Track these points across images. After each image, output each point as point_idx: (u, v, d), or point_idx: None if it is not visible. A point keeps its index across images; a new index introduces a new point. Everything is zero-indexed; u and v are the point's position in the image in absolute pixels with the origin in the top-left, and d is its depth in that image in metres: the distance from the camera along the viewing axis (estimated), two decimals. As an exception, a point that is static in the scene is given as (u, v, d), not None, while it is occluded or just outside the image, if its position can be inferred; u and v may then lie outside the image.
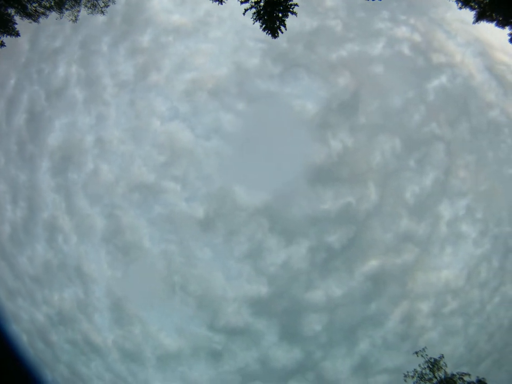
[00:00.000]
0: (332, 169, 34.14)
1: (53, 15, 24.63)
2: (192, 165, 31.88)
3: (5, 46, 24.64)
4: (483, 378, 21.78)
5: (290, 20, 17.43)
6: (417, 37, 34.72)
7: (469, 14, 22.38)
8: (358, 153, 34.55)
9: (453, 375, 21.98)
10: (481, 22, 22.19)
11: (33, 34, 30.94)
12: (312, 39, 32.18)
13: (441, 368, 22.24)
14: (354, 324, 37.28)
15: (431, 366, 22.30)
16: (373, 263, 36.32)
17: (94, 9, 24.72)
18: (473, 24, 22.48)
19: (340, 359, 37.29)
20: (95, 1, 24.51)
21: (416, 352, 23.07)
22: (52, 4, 23.78)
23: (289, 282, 34.87)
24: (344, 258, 35.78)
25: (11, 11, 23.13)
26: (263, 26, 17.79)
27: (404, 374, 22.68)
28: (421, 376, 22.20)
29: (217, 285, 34.10)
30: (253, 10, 17.58)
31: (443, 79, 35.12)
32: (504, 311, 39.34)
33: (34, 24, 24.06)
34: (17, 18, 23.59)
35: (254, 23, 17.96)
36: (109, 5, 24.97)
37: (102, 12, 25.00)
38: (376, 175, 35.09)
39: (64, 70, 31.45)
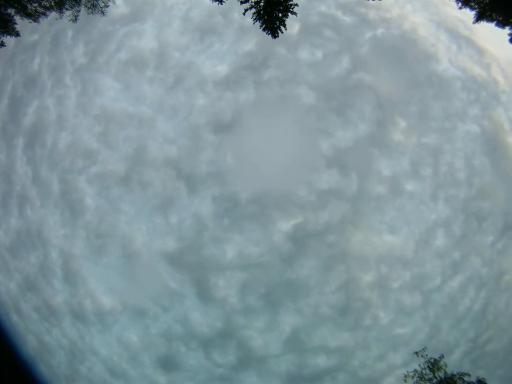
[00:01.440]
0: (238, 124, 35.46)
1: (53, 15, 24.65)
2: (120, 130, 37.20)
3: (5, 46, 24.67)
4: (483, 378, 21.80)
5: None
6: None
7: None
8: (265, 106, 35.29)
9: (453, 375, 22.00)
10: (481, 22, 22.22)
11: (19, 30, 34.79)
12: (228, 8, 35.38)
13: (441, 368, 22.27)
14: (277, 288, 35.88)
15: (431, 366, 22.32)
16: (291, 220, 34.98)
17: (94, 9, 24.72)
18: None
19: (264, 330, 36.33)
20: (95, 1, 24.50)
21: (416, 352, 23.10)
22: (52, 3, 23.78)
23: (198, 237, 35.87)
24: (255, 214, 35.28)
25: (11, 11, 23.14)
26: (263, 26, 17.78)
27: (404, 374, 22.72)
28: (421, 376, 22.23)
29: (137, 239, 36.80)
30: (253, 10, 17.58)
31: (378, 32, 34.86)
32: (474, 292, 35.54)
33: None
34: (17, 18, 23.61)
35: (254, 23, 17.96)
36: (108, 5, 24.97)
37: (102, 12, 24.99)
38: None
39: (39, 61, 37.91)
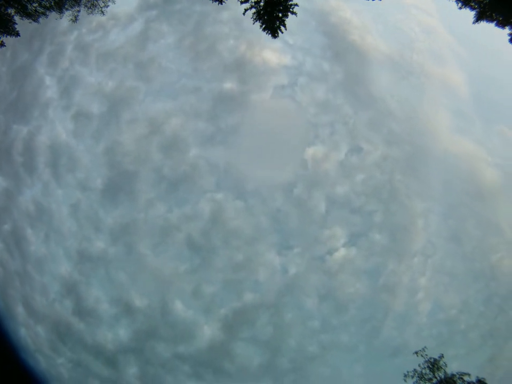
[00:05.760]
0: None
1: (53, 15, 24.64)
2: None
3: (5, 46, 24.65)
4: (483, 378, 21.80)
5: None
6: None
7: None
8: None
9: (452, 375, 21.99)
10: (481, 22, 22.18)
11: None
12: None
13: (441, 368, 22.26)
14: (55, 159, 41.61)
15: (430, 366, 22.32)
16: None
17: (94, 9, 24.71)
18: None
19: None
20: (95, 1, 24.50)
21: (416, 352, 23.09)
22: (52, 3, 23.76)
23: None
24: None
25: (11, 11, 23.12)
26: (263, 26, 17.76)
27: (404, 373, 22.71)
28: (421, 376, 22.22)
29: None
30: (253, 10, 17.55)
31: None
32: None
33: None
34: (17, 18, 23.59)
35: (254, 23, 17.94)
36: (108, 5, 24.96)
37: (102, 12, 24.98)
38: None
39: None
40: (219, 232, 40.46)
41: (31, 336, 39.34)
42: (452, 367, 22.59)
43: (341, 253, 40.62)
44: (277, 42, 40.07)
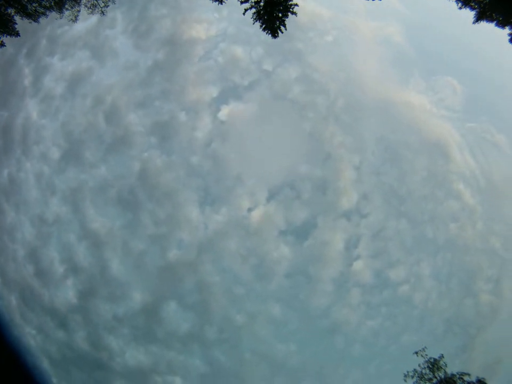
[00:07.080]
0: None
1: (53, 15, 24.63)
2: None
3: (5, 46, 24.65)
4: (483, 378, 21.79)
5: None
6: None
7: None
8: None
9: (452, 374, 21.98)
10: (481, 22, 22.18)
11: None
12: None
13: (441, 368, 22.25)
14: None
15: (430, 366, 22.31)
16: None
17: (94, 9, 24.70)
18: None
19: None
20: (95, 1, 24.49)
21: (416, 352, 23.08)
22: (52, 3, 23.76)
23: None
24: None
25: (11, 11, 23.12)
26: (263, 26, 17.77)
27: (404, 374, 22.70)
28: (421, 376, 22.21)
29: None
30: (253, 10, 17.57)
31: None
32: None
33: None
34: (17, 18, 23.59)
35: (254, 23, 17.95)
36: (108, 5, 24.95)
37: (102, 12, 24.97)
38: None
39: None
40: (146, 189, 41.76)
41: (6, 306, 40.47)
42: (409, 356, 19.80)
43: (261, 210, 38.11)
44: (207, 16, 43.13)
